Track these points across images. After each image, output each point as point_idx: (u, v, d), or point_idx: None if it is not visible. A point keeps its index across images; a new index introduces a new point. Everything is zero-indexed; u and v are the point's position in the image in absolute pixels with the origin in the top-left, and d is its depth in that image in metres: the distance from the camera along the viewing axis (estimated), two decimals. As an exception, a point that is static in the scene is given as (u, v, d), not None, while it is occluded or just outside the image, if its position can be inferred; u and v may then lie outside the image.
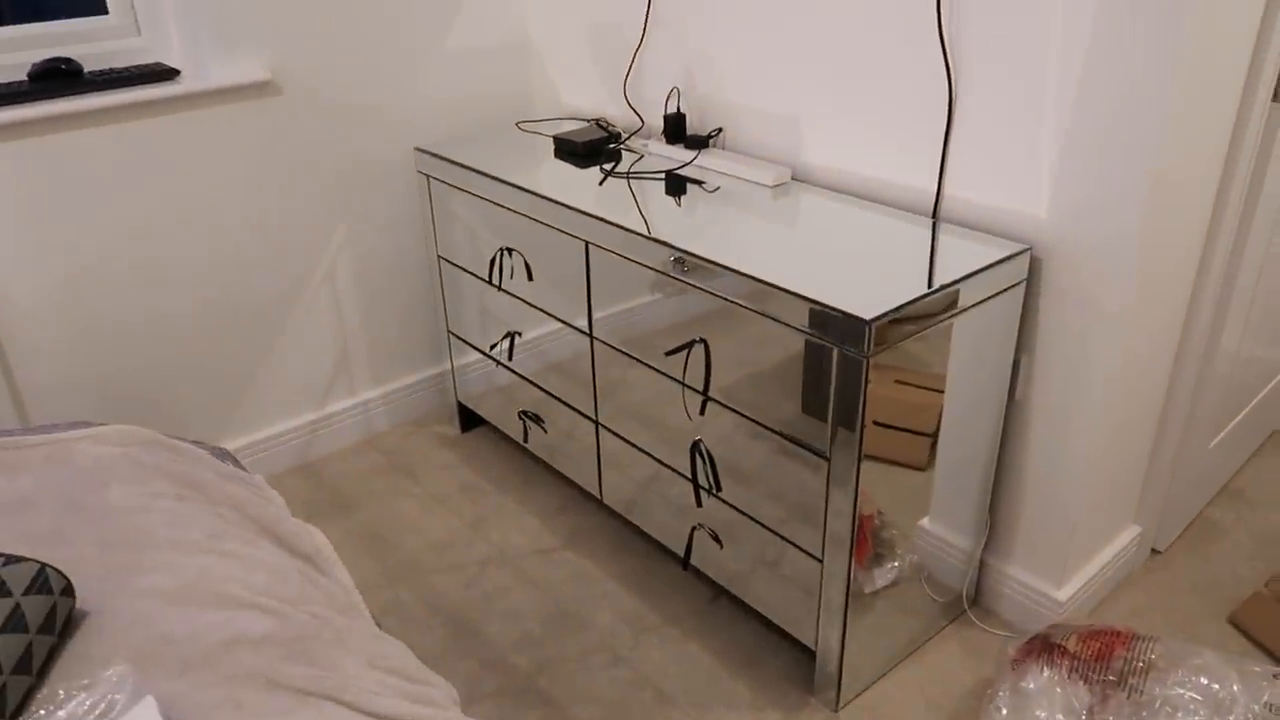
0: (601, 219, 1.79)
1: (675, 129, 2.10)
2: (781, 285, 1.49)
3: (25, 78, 1.95)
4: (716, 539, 1.84)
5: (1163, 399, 1.89)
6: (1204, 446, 2.04)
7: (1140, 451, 1.91)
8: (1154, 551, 2.07)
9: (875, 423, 1.52)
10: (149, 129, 2.00)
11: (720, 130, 2.08)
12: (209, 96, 2.05)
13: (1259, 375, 2.20)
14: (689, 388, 1.75)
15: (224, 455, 1.44)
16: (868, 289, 1.48)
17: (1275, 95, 1.60)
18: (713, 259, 1.59)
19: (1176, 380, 1.87)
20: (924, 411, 1.66)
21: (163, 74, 2.01)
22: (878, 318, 1.38)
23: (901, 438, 1.67)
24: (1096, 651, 1.59)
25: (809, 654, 1.86)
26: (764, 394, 1.61)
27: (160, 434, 1.33)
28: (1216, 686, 1.45)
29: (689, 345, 1.71)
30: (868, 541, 1.71)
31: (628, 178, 2.01)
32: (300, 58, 2.13)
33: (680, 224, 1.77)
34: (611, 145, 2.18)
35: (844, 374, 1.44)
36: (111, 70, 1.99)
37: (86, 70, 1.98)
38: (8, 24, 1.97)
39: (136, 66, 2.02)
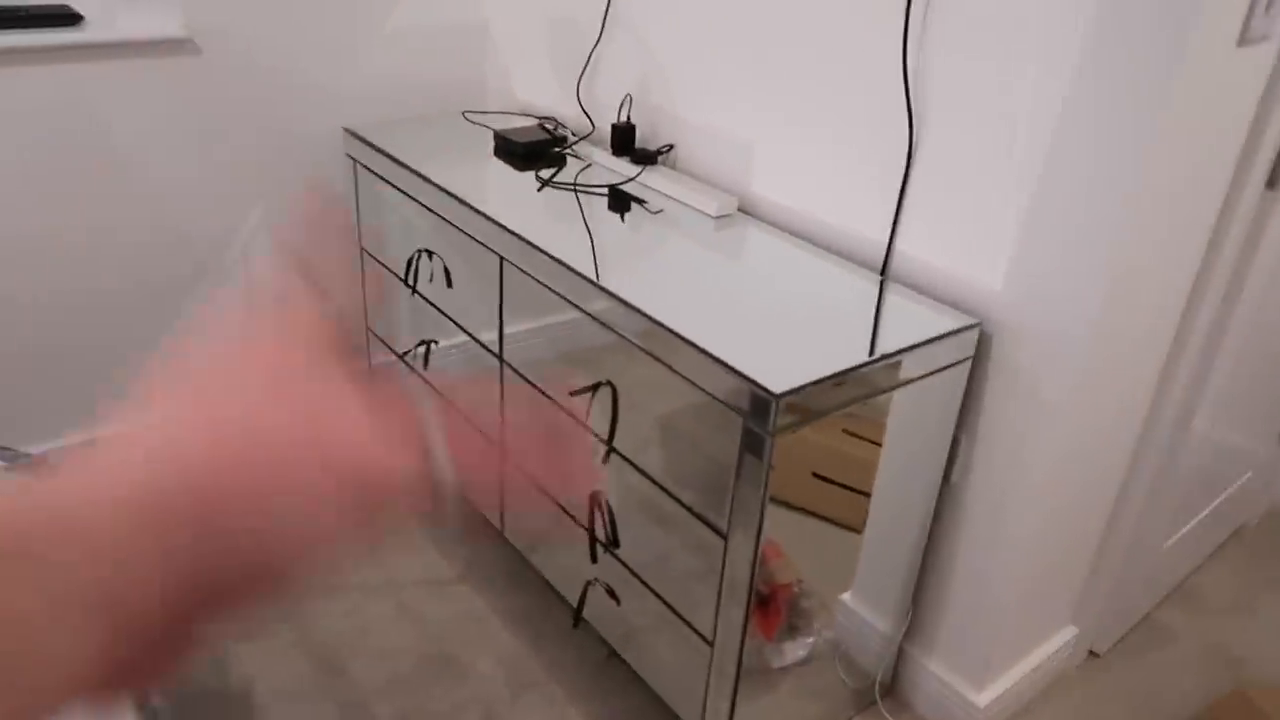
0: (517, 235, 1.61)
1: (623, 140, 1.92)
2: (687, 337, 1.31)
3: (-90, 7, 1.76)
4: (613, 595, 1.67)
5: (1115, 492, 1.72)
6: (1158, 545, 1.87)
7: (1084, 547, 1.74)
8: (1091, 654, 1.90)
9: (815, 475, 1.35)
10: (44, 76, 1.81)
11: (671, 147, 1.90)
12: (115, 49, 1.86)
13: (1227, 470, 2.04)
14: (594, 435, 1.57)
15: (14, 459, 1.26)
16: (793, 351, 1.30)
17: (1270, 183, 1.43)
18: (622, 296, 1.41)
19: (1134, 473, 1.70)
20: (868, 468, 1.48)
21: (65, 18, 1.82)
22: (788, 392, 1.20)
23: (841, 495, 1.50)
24: (1005, 778, 1.42)
25: (700, 733, 1.69)
26: (706, 425, 1.41)
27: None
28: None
29: (594, 388, 1.53)
30: (781, 612, 1.55)
31: (574, 189, 1.83)
32: (223, 17, 1.94)
33: (608, 247, 1.59)
34: (555, 150, 2.00)
35: (746, 449, 1.27)
36: (6, 8, 1.80)
37: (-21, 6, 1.79)
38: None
39: (36, 6, 1.83)
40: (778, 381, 1.21)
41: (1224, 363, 1.65)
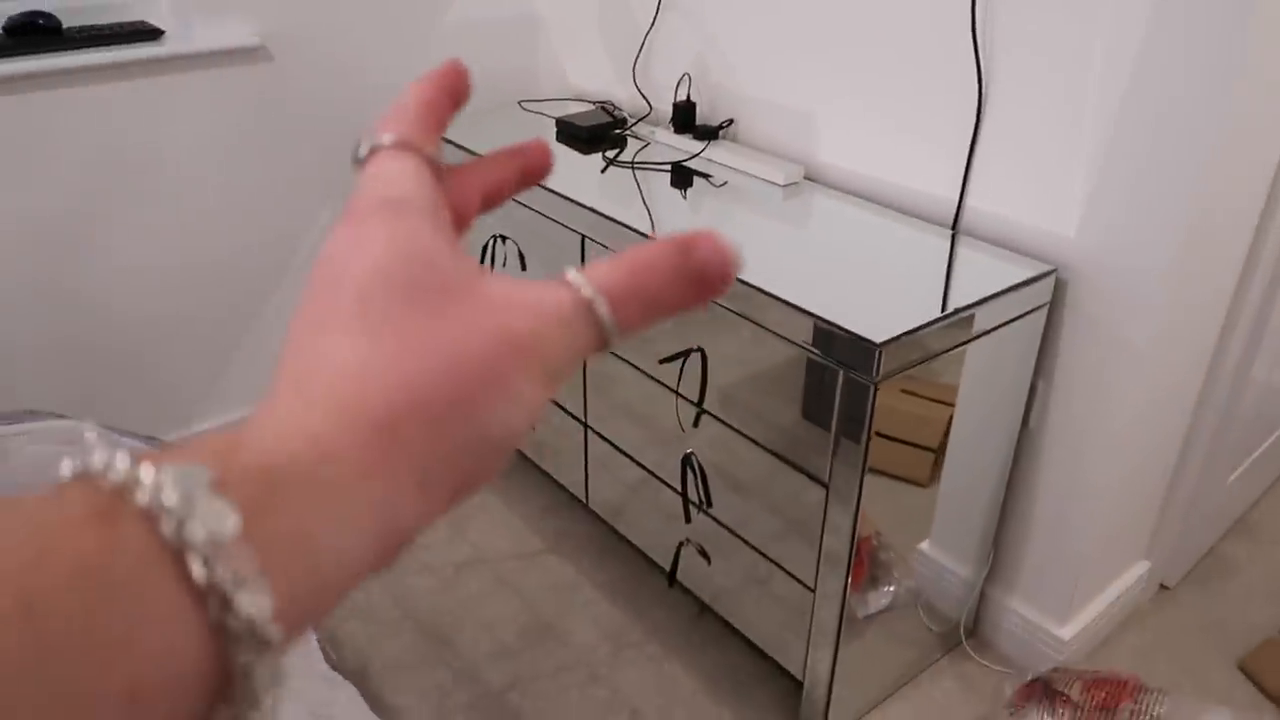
0: (599, 213, 1.69)
1: (684, 118, 1.98)
2: (786, 298, 1.38)
3: (1, 31, 1.84)
4: (704, 554, 1.75)
5: (1184, 431, 1.78)
6: (1223, 480, 1.94)
7: (1156, 484, 1.81)
8: (1162, 587, 1.97)
9: (878, 434, 1.43)
10: (129, 91, 1.89)
11: (731, 121, 1.97)
12: (194, 60, 1.93)
13: (1283, 407, 2.10)
14: (683, 398, 1.65)
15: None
16: (879, 307, 1.37)
17: (1331, 118, 1.49)
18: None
19: (1201, 412, 1.77)
20: (930, 425, 1.55)
21: (146, 33, 1.90)
22: (889, 340, 1.28)
23: (905, 451, 1.57)
24: (1101, 701, 1.50)
25: (797, 681, 1.77)
26: (763, 395, 1.50)
27: (106, 431, 1.23)
28: (1228, 750, 1.36)
29: (685, 354, 1.60)
30: (864, 563, 1.62)
31: (632, 167, 1.90)
32: (294, 24, 2.02)
33: (683, 221, 1.66)
34: (617, 131, 2.07)
35: (848, 399, 1.34)
36: (93, 27, 1.88)
37: (66, 26, 1.87)
38: (-18, -27, 1.86)
39: (119, 24, 1.91)
40: (876, 332, 1.28)
41: (1283, 298, 1.71)
